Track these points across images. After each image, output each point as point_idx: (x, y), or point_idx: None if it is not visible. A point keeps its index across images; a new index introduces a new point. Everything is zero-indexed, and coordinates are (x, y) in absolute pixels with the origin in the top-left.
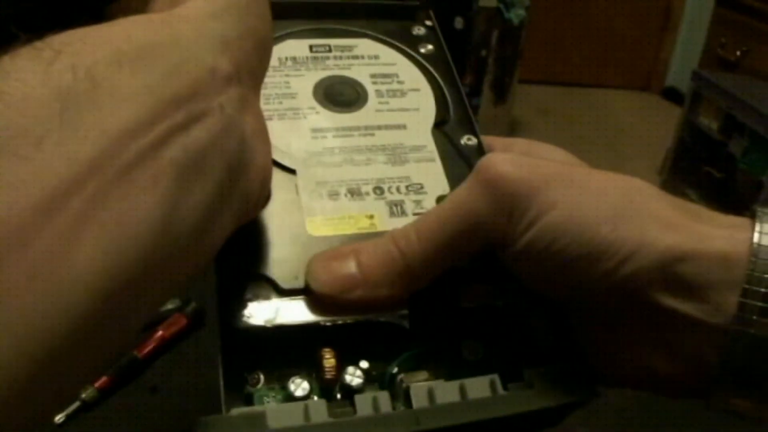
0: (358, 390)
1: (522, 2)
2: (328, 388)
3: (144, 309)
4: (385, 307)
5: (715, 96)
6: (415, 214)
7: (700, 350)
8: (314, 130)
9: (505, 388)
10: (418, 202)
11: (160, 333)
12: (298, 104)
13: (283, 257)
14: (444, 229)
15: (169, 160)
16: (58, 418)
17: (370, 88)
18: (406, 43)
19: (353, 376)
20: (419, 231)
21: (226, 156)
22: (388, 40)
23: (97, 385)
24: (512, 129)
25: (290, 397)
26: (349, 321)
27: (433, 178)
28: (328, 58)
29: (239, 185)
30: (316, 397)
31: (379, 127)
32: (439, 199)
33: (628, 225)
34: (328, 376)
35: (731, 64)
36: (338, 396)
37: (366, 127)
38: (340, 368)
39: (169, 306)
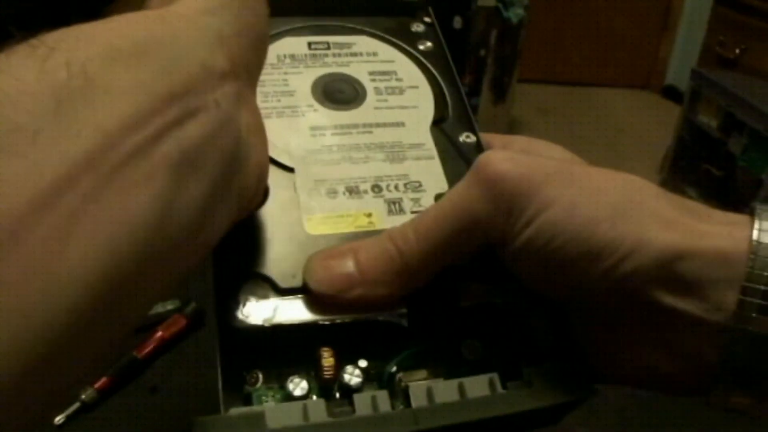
0: (357, 389)
1: (521, 1)
2: (326, 387)
3: (139, 305)
4: (384, 306)
5: (714, 94)
6: (413, 212)
7: (700, 348)
8: (313, 128)
9: (504, 387)
10: (416, 200)
11: (159, 333)
12: (296, 102)
13: (281, 256)
14: (442, 227)
15: (164, 155)
16: (58, 419)
17: (369, 86)
18: (404, 40)
19: (352, 376)
20: (417, 229)
21: (221, 152)
22: (387, 37)
23: (96, 385)
24: (512, 128)
25: (289, 397)
26: (347, 320)
27: (432, 176)
28: (326, 55)
29: (235, 181)
30: (314, 397)
31: (378, 125)
32: (438, 197)
33: (627, 223)
34: (327, 375)
35: (730, 62)
36: (337, 395)
37: (364, 125)
38: (339, 367)
39: (169, 306)
